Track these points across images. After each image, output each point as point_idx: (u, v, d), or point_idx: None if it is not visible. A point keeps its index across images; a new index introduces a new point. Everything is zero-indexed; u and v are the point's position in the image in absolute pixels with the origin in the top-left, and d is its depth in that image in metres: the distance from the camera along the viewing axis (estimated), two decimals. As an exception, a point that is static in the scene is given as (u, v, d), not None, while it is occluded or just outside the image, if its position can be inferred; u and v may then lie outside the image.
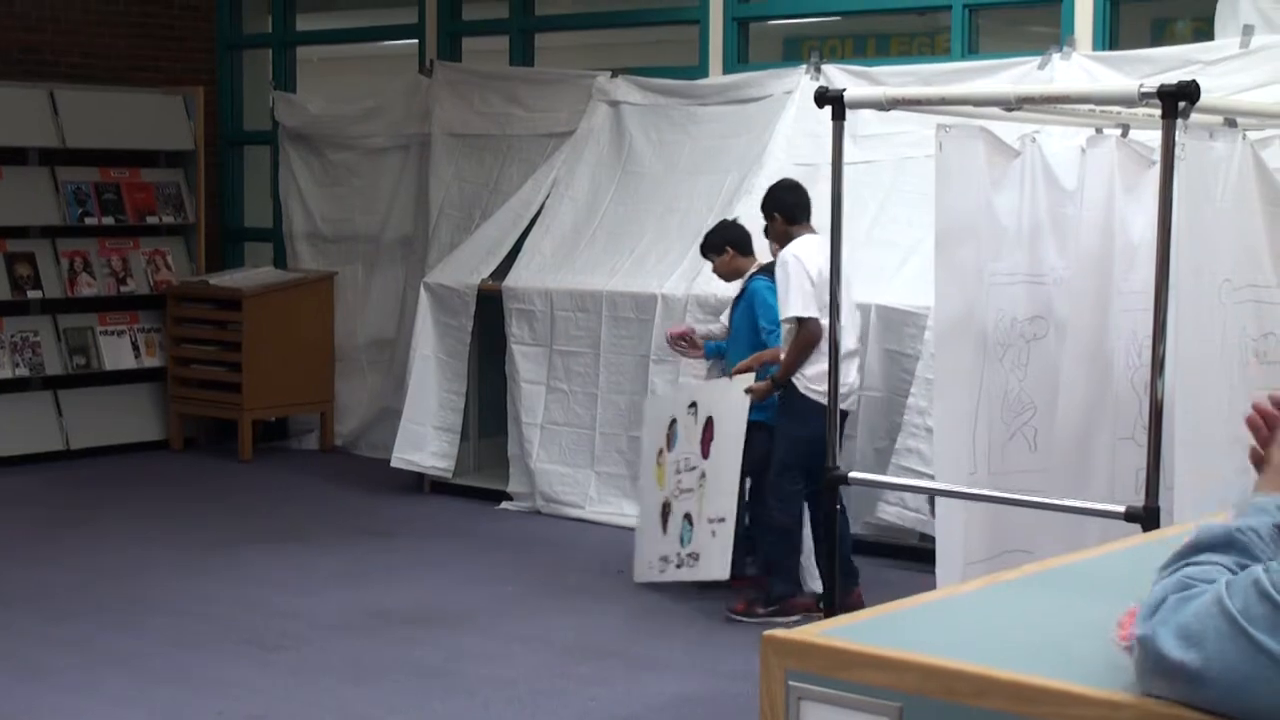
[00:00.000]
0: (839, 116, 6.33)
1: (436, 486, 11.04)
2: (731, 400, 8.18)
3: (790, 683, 2.48)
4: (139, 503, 10.75)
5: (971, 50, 10.29)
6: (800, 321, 7.84)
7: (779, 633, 2.54)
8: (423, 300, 10.98)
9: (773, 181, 8.62)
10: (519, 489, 10.58)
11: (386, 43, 14.19)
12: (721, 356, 8.75)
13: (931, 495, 7.61)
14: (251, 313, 12.31)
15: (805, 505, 8.11)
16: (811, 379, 7.88)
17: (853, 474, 6.55)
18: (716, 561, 8.07)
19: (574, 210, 11.02)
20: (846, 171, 6.41)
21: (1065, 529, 6.20)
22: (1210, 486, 5.82)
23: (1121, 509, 5.69)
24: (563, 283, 10.53)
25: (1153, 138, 6.01)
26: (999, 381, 6.66)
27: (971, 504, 6.48)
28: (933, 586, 5.63)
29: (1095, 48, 9.62)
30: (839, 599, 6.86)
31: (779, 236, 8.17)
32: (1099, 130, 6.83)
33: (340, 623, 7.97)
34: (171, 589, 8.56)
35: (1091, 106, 6.47)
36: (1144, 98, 5.60)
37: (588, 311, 10.36)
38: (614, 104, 11.27)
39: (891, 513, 9.07)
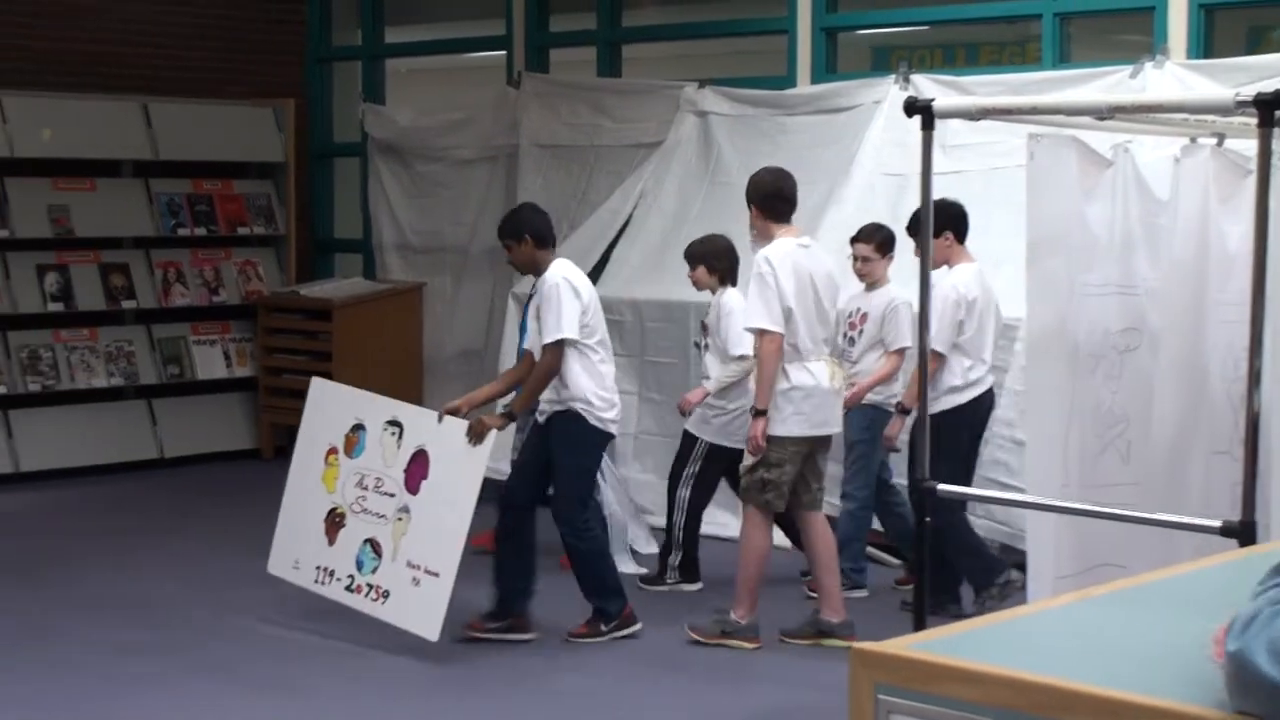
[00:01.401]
0: (928, 126, 6.29)
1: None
2: (454, 443, 7.59)
3: (879, 696, 2.47)
4: (231, 510, 10.83)
5: (1062, 59, 10.21)
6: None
7: (869, 646, 2.52)
8: (510, 311, 11.01)
9: (859, 192, 8.62)
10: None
11: (475, 54, 14.25)
12: None
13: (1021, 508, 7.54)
14: (341, 323, 12.39)
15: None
16: (600, 407, 7.73)
17: (941, 486, 6.50)
18: (423, 617, 7.45)
19: (662, 221, 11.01)
20: (935, 181, 6.36)
21: (1158, 544, 6.13)
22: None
23: (1217, 523, 5.61)
24: (651, 293, 10.53)
25: (1249, 147, 5.94)
26: (1091, 394, 6.59)
27: (1062, 517, 6.42)
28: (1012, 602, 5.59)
29: (1189, 56, 9.52)
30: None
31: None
32: (1193, 140, 6.75)
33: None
34: (260, 598, 8.61)
35: (1185, 116, 6.39)
36: (1239, 106, 5.54)
37: (676, 322, 10.35)
38: (702, 114, 11.25)
39: (980, 525, 8.99)
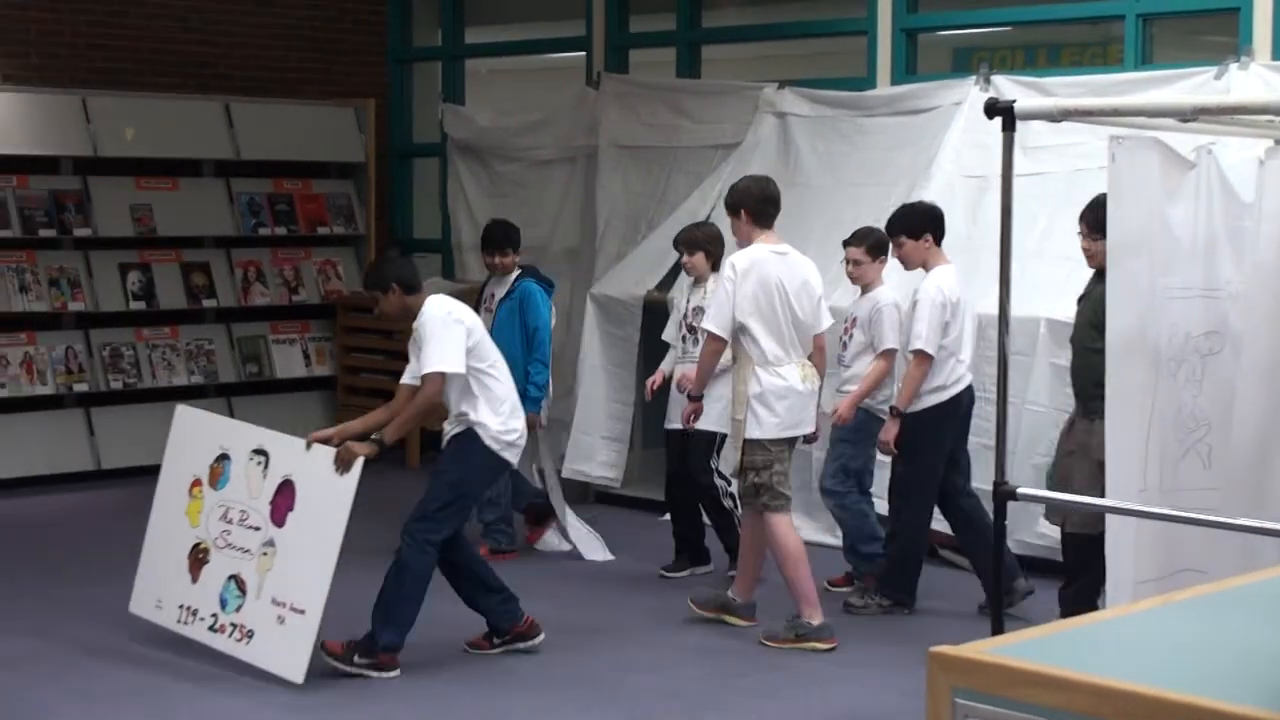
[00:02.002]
0: (1009, 128, 6.24)
1: (601, 496, 11.08)
2: (322, 473, 7.21)
3: (957, 700, 2.45)
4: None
5: (1145, 61, 10.13)
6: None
7: (947, 649, 2.50)
8: (589, 311, 11.02)
9: (939, 194, 8.59)
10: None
11: (554, 55, 14.27)
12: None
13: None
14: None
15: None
16: (498, 431, 7.49)
17: (1021, 489, 6.45)
18: (287, 658, 7.06)
19: (740, 222, 10.98)
20: (1016, 183, 6.32)
21: (1240, 549, 6.07)
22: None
23: (1300, 528, 5.55)
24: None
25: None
26: (1172, 398, 6.53)
27: (1143, 522, 6.36)
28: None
29: (1274, 57, 9.42)
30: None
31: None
32: (1278, 141, 6.68)
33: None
34: (332, 598, 8.65)
35: (1270, 117, 6.33)
36: (1325, 108, 5.48)
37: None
38: (780, 115, 11.23)
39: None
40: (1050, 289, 9.08)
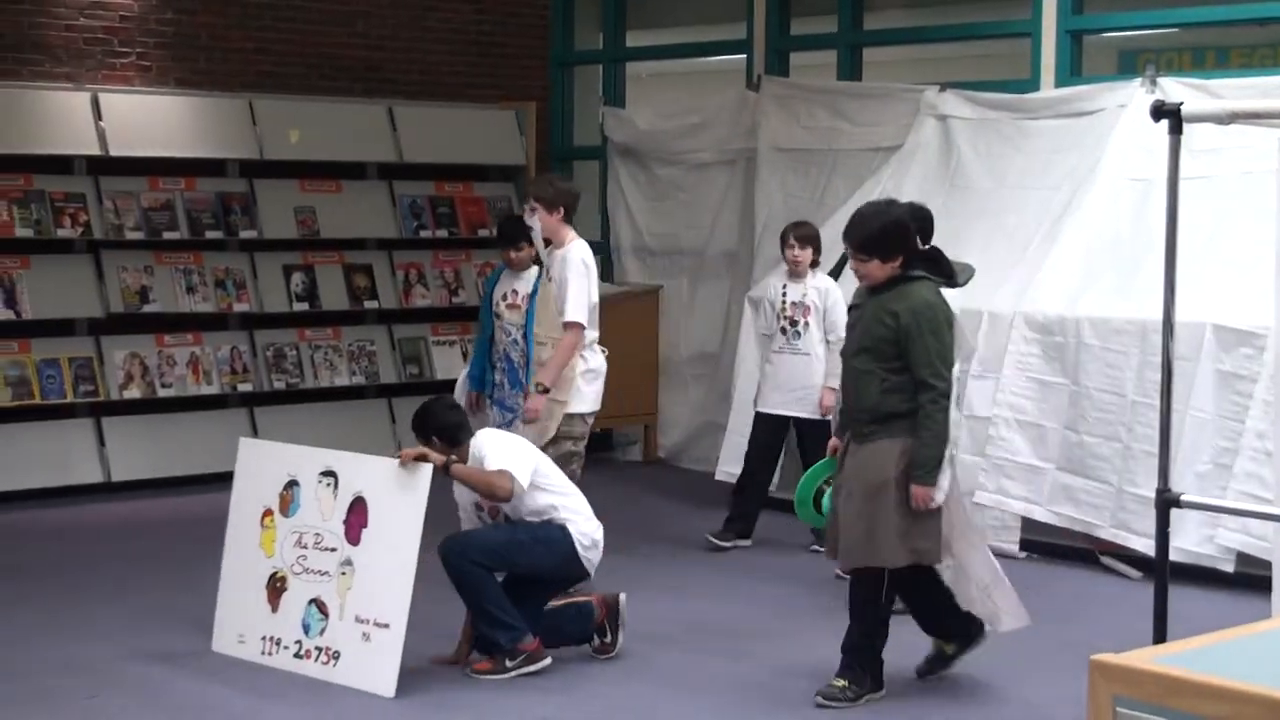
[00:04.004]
0: (1176, 130, 6.14)
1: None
2: (392, 486, 7.22)
3: (1118, 709, 2.41)
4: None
5: (1316, 62, 9.95)
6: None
7: (1108, 658, 2.46)
8: (747, 314, 11.00)
9: (1103, 198, 8.47)
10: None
11: (714, 58, 14.28)
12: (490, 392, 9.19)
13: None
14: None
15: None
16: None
17: (1185, 496, 6.34)
18: (377, 674, 7.04)
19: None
20: (1182, 186, 6.22)
21: None
22: None
23: None
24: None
25: None
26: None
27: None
28: (1254, 616, 5.44)
29: None
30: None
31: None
32: None
33: (662, 634, 8.01)
34: (418, 611, 8.71)
35: None
36: None
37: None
38: (942, 118, 11.14)
39: (1233, 539, 8.77)
40: (1217, 294, 8.94)
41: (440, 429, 7.36)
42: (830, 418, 9.18)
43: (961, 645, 7.25)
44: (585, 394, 8.65)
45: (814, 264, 9.73)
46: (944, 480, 6.70)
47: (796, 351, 9.73)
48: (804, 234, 9.74)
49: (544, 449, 7.98)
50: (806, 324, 9.68)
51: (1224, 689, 2.32)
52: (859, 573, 6.96)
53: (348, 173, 12.84)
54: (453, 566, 7.18)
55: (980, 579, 7.06)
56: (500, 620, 7.24)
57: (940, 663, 7.29)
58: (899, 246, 6.79)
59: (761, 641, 7.97)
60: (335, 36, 13.04)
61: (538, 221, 8.63)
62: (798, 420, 9.87)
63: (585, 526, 7.41)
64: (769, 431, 10.03)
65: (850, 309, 7.15)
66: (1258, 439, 8.61)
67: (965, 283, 7.09)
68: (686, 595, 8.86)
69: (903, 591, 7.09)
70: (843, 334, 8.35)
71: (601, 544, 7.47)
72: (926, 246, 6.91)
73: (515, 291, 9.20)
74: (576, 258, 8.56)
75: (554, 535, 7.32)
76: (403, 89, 13.29)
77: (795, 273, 9.74)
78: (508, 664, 7.27)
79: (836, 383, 8.62)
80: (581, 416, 8.67)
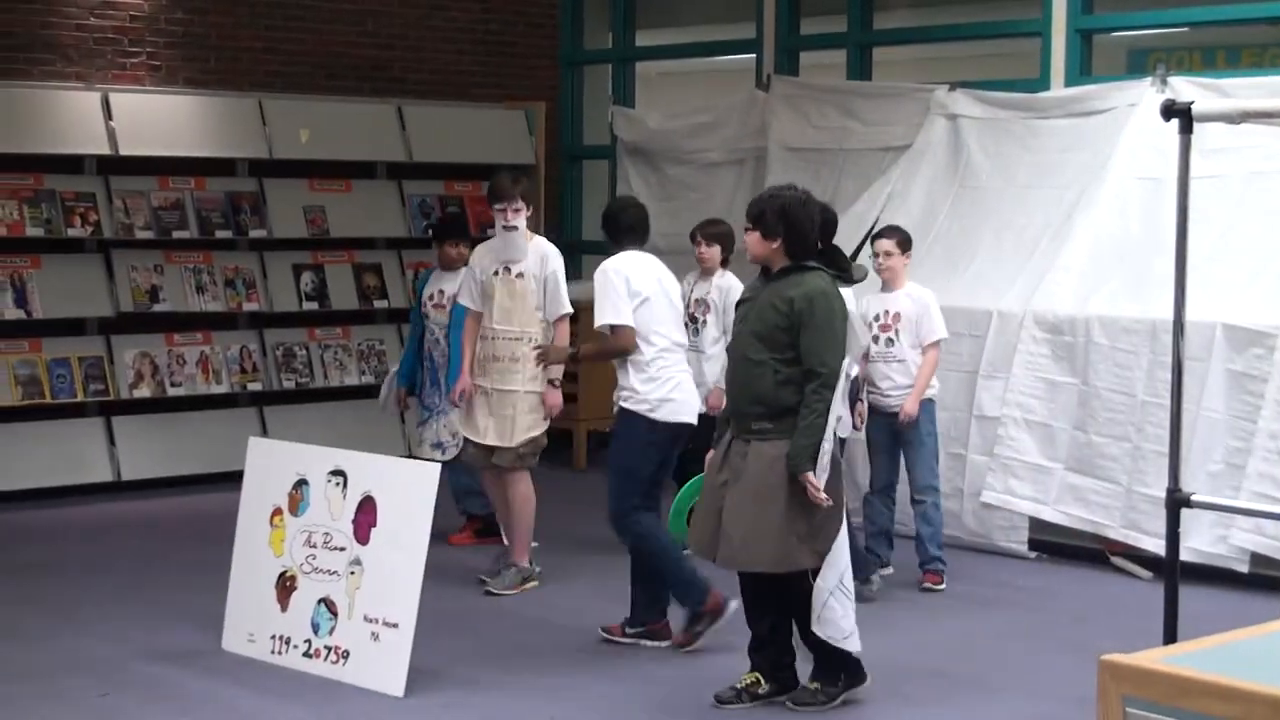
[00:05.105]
0: (1187, 130, 6.12)
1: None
2: (400, 484, 7.31)
3: (1128, 710, 2.41)
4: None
5: (1328, 61, 9.93)
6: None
7: (1118, 658, 2.46)
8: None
9: (1113, 197, 8.47)
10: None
11: (724, 58, 14.28)
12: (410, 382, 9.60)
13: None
14: (588, 324, 12.44)
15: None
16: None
17: (1195, 496, 6.33)
18: (386, 673, 7.05)
19: (909, 225, 10.83)
20: (1193, 186, 6.20)
21: None
22: None
23: None
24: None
25: None
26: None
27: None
28: (1266, 616, 5.42)
29: None
30: None
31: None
32: None
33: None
34: (509, 601, 8.72)
35: None
36: None
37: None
38: (951, 118, 11.12)
39: (1247, 540, 8.76)
40: (1227, 294, 8.93)
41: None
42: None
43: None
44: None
45: (724, 262, 9.73)
46: (823, 472, 6.52)
47: (694, 348, 9.45)
48: (711, 232, 9.76)
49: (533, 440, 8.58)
50: (705, 321, 9.66)
51: (1234, 689, 2.32)
52: (780, 579, 6.76)
53: (357, 172, 12.85)
54: (627, 539, 7.72)
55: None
56: (680, 581, 7.67)
57: (747, 696, 6.93)
58: (779, 229, 6.71)
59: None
60: (345, 36, 13.05)
61: (523, 220, 8.67)
62: None
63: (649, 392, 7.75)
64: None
65: (739, 303, 7.03)
66: (1270, 439, 8.60)
67: (861, 279, 7.21)
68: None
69: (751, 598, 6.98)
70: None
71: (672, 396, 7.77)
72: (823, 246, 6.87)
73: (442, 292, 9.38)
74: (556, 254, 8.81)
75: (623, 431, 7.78)
76: (412, 88, 13.30)
77: (705, 270, 9.74)
78: (697, 629, 7.65)
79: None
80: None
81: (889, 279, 8.96)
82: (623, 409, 7.82)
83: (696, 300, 9.67)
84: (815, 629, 6.67)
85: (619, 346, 7.82)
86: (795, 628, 6.93)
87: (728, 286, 9.55)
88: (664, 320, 7.83)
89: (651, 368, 7.72)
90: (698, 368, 9.58)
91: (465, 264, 9.18)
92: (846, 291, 7.00)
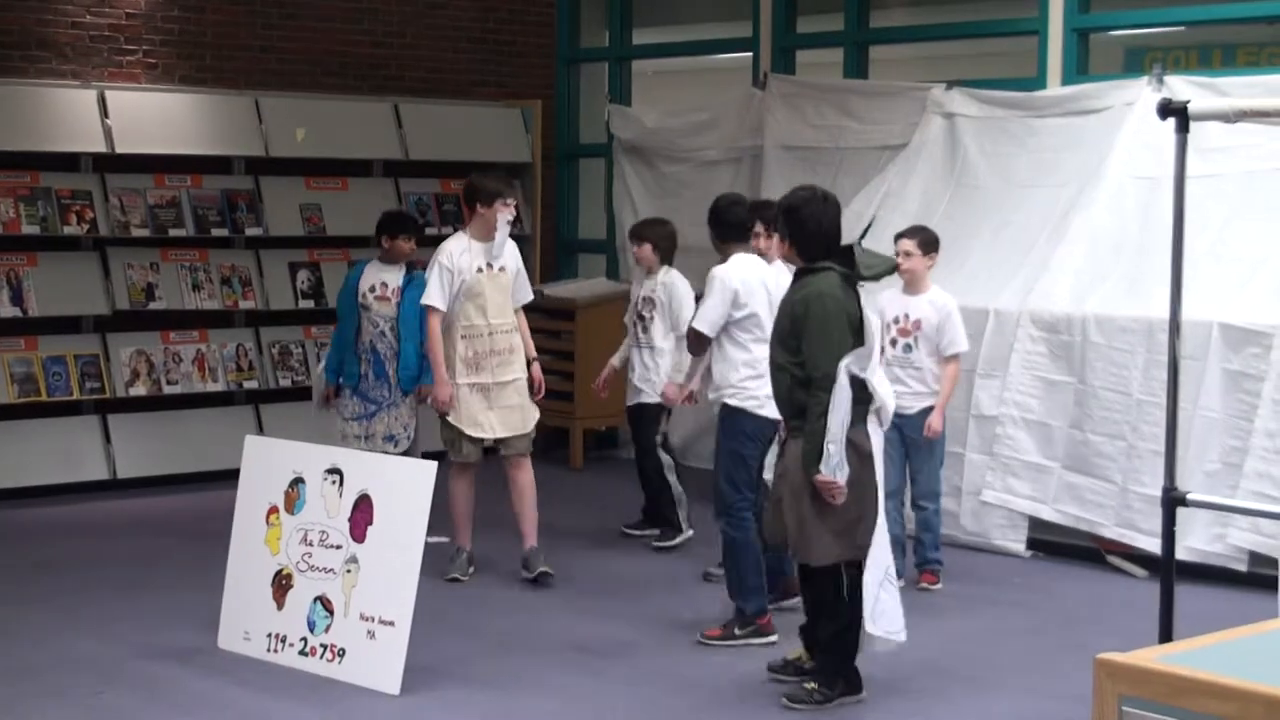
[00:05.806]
0: (1183, 129, 6.13)
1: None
2: (396, 483, 7.34)
3: (1124, 709, 2.41)
4: (477, 506, 10.95)
5: (1325, 60, 9.92)
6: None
7: (1114, 657, 2.46)
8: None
9: (1109, 196, 8.47)
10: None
11: (721, 56, 14.27)
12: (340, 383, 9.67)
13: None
14: (584, 323, 12.48)
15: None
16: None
17: (1191, 495, 6.33)
18: (381, 671, 7.06)
19: (905, 223, 10.87)
20: (1189, 185, 6.20)
21: None
22: None
23: None
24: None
25: None
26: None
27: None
28: (1262, 615, 5.43)
29: None
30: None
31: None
32: None
33: (666, 634, 8.03)
34: (504, 599, 8.72)
35: None
36: None
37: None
38: (948, 116, 11.12)
39: (1244, 539, 8.76)
40: (1223, 293, 8.93)
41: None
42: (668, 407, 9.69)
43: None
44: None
45: (666, 261, 9.96)
46: (839, 471, 6.57)
47: (641, 345, 9.93)
48: (639, 232, 10.09)
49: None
50: (652, 318, 9.87)
51: (1230, 688, 2.32)
52: (808, 570, 6.95)
53: (353, 170, 12.83)
54: (729, 530, 7.76)
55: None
56: (749, 586, 7.74)
57: (792, 669, 7.13)
58: (785, 229, 6.89)
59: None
60: (341, 34, 13.04)
61: (510, 215, 8.87)
62: (629, 407, 10.19)
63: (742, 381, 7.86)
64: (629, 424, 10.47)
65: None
66: (1267, 438, 8.60)
67: (889, 271, 7.19)
68: (693, 594, 8.84)
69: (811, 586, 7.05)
70: (684, 331, 8.92)
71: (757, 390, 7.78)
72: (843, 244, 6.92)
73: (385, 284, 9.43)
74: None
75: (730, 426, 7.83)
76: (409, 86, 13.28)
77: (646, 269, 9.97)
78: (737, 631, 7.69)
79: (681, 377, 9.32)
80: None
81: (910, 281, 8.91)
82: (727, 405, 7.89)
83: (644, 298, 9.91)
84: (870, 628, 6.74)
85: (696, 350, 8.28)
86: (808, 624, 7.09)
87: (671, 283, 9.87)
88: (769, 324, 7.85)
89: (759, 366, 7.72)
90: (651, 362, 9.66)
91: (404, 258, 9.63)
92: (862, 290, 6.97)
